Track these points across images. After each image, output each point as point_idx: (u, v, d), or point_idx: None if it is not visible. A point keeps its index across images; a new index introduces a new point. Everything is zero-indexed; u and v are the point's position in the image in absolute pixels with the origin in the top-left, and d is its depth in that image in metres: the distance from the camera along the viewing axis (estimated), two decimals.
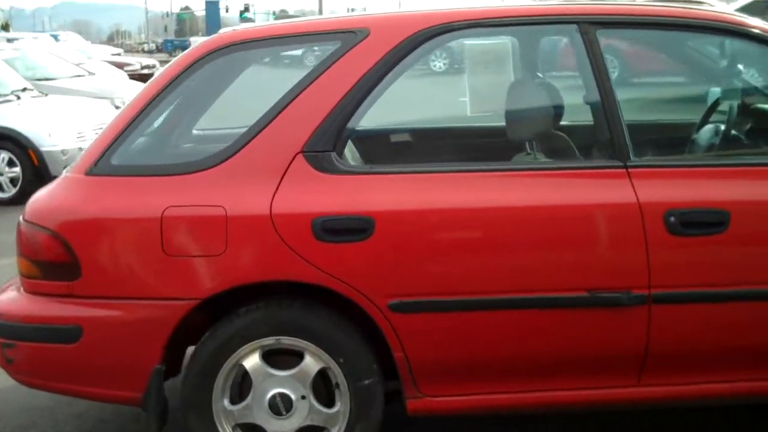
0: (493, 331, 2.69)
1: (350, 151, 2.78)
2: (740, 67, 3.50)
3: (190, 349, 2.84)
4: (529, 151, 3.13)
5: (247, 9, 60.90)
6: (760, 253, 2.66)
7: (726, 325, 2.67)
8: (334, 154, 2.70)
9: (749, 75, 3.48)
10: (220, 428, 2.75)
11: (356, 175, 2.71)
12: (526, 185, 2.70)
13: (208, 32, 45.02)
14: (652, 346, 2.67)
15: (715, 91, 3.69)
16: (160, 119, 2.89)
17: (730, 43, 3.36)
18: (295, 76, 2.80)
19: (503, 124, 3.02)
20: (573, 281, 2.64)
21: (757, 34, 2.81)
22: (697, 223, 2.62)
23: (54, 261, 2.74)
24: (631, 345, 2.68)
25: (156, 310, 2.70)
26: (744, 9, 12.01)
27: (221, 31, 3.02)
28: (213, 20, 48.22)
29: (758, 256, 2.65)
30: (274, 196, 2.66)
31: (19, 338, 2.81)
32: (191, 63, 2.84)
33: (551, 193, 2.67)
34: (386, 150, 3.09)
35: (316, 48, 2.91)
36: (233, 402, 2.76)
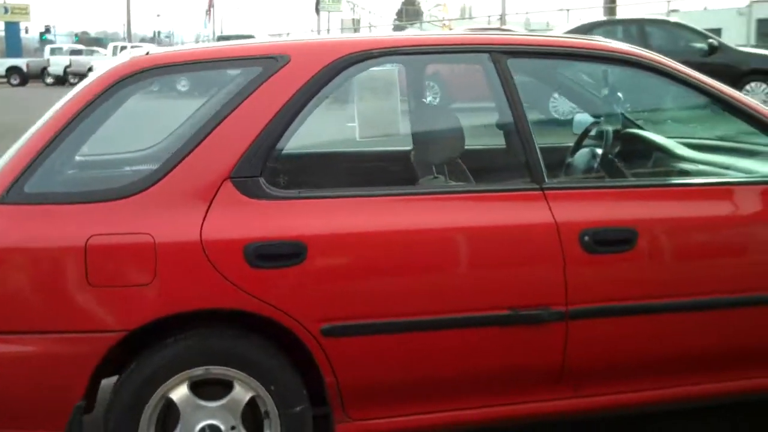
0: (421, 352, 2.76)
1: (276, 177, 2.78)
2: (618, 95, 3.76)
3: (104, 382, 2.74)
4: (436, 174, 3.24)
5: (48, 30, 58.74)
6: (666, 268, 2.87)
7: (638, 336, 2.85)
8: (262, 180, 2.69)
9: (623, 102, 3.76)
10: None
11: (285, 201, 2.71)
12: (448, 208, 2.80)
13: (8, 53, 43.05)
14: (569, 359, 2.81)
15: (586, 118, 3.93)
16: (76, 145, 2.78)
17: (612, 73, 3.61)
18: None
19: (411, 148, 3.11)
20: (496, 300, 2.75)
21: (656, 66, 3.04)
22: (609, 240, 2.79)
23: None
24: (551, 359, 2.82)
25: (79, 344, 2.58)
26: (571, 32, 12.79)
27: (135, 53, 2.95)
28: (13, 41, 46.17)
29: (664, 272, 2.86)
30: (203, 222, 2.62)
31: None
32: (108, 86, 2.76)
33: (474, 215, 2.78)
34: (310, 175, 3.11)
35: (235, 72, 2.89)
36: None
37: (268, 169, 2.73)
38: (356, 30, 44.38)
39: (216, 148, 2.69)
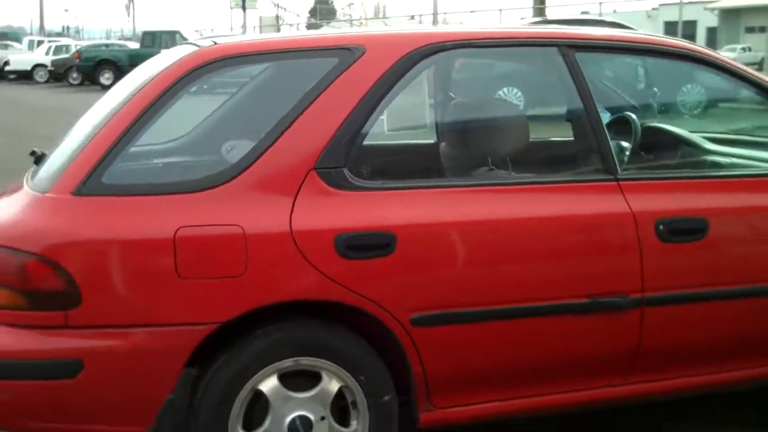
0: (505, 340, 2.79)
1: (359, 167, 2.77)
2: (654, 89, 3.86)
3: None
4: (491, 166, 3.26)
5: None
6: (735, 256, 2.97)
7: (708, 321, 2.94)
8: (346, 170, 2.67)
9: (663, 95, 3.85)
10: None
11: (371, 191, 2.70)
12: (529, 199, 2.84)
13: None
14: (644, 345, 2.88)
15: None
16: (151, 136, 2.71)
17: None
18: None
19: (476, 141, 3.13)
20: (578, 288, 2.80)
21: (711, 60, 3.14)
22: (682, 230, 2.87)
23: (45, 289, 2.48)
24: (626, 345, 2.88)
25: (170, 337, 2.52)
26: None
27: (211, 41, 2.89)
28: None
29: (733, 259, 2.96)
30: (291, 212, 2.59)
31: (10, 378, 2.51)
32: (183, 75, 2.70)
33: (555, 206, 2.83)
34: (390, 166, 3.10)
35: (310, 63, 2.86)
36: (247, 429, 2.63)
37: (351, 159, 2.71)
38: (278, 29, 43.80)
39: (299, 138, 2.66)
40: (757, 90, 3.16)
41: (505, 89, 3.25)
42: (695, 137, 3.86)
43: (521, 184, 2.92)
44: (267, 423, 2.62)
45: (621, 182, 2.89)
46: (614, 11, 42.79)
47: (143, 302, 2.52)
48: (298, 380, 2.66)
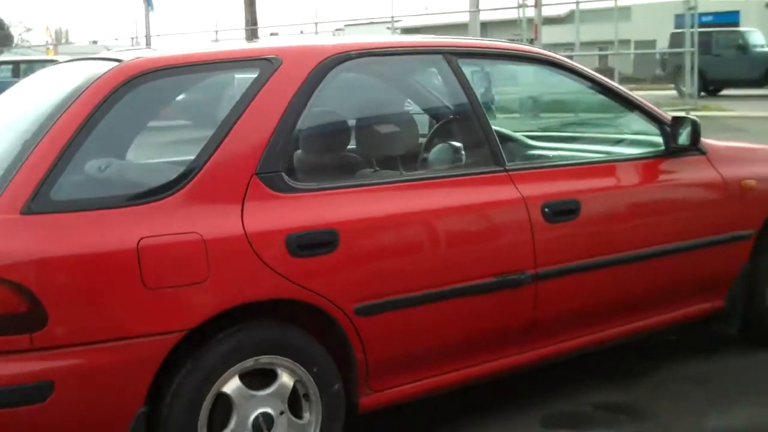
0: (432, 321, 3.06)
1: (292, 171, 2.91)
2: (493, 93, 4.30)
3: None
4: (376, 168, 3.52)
5: None
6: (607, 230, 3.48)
7: (592, 288, 3.41)
8: (284, 174, 2.81)
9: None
10: None
11: (309, 193, 2.86)
12: (443, 192, 3.15)
13: None
14: (539, 314, 3.29)
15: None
16: (93, 149, 2.66)
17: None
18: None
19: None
20: (489, 268, 3.15)
21: (567, 65, 3.62)
22: (562, 210, 3.31)
23: (7, 312, 2.39)
24: (526, 316, 3.27)
25: (140, 349, 2.52)
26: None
27: (133, 55, 2.87)
28: None
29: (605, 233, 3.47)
30: (242, 217, 2.69)
31: None
32: (113, 89, 2.69)
33: (461, 197, 3.16)
34: (319, 168, 3.22)
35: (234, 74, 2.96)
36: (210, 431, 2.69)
37: (287, 163, 2.85)
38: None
39: (238, 146, 2.77)
40: (599, 88, 3.71)
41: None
42: (518, 135, 4.37)
43: (433, 179, 3.22)
44: (232, 423, 2.69)
45: (510, 173, 3.28)
46: None
47: (112, 316, 2.49)
48: (255, 379, 2.75)
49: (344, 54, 3.10)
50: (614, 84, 3.81)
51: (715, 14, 31.53)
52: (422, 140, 3.53)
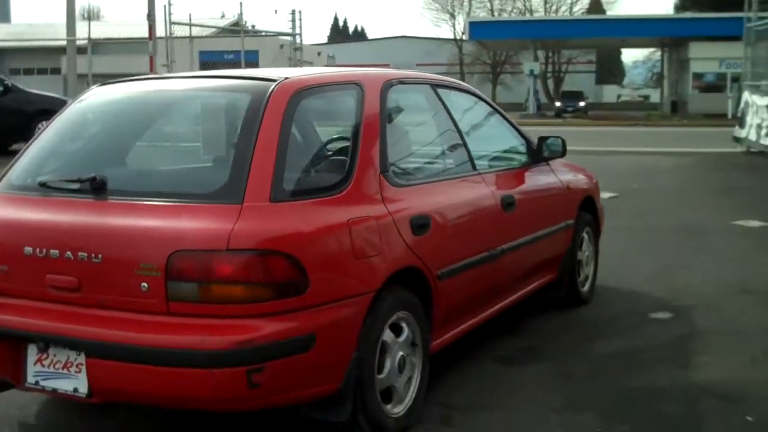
0: (473, 282, 4.11)
1: (390, 171, 3.71)
2: None
3: None
4: None
5: None
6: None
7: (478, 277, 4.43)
8: (389, 174, 3.66)
9: None
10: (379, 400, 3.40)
11: (407, 187, 3.74)
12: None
13: None
14: (500, 282, 4.50)
15: None
16: (291, 149, 3.26)
17: None
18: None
19: None
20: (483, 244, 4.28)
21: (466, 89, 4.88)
22: (509, 203, 4.55)
23: (285, 280, 2.96)
24: (504, 278, 4.47)
25: (356, 305, 3.23)
26: None
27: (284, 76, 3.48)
28: None
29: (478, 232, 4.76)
30: (385, 205, 3.50)
31: (267, 359, 2.89)
32: (288, 102, 3.33)
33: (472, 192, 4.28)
34: (406, 169, 3.95)
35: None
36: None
37: (390, 165, 3.70)
38: None
39: (368, 151, 3.58)
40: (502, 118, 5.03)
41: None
42: None
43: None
44: (388, 363, 3.46)
45: (482, 174, 4.44)
46: None
47: (342, 280, 3.19)
48: (393, 331, 3.53)
49: (392, 80, 4.02)
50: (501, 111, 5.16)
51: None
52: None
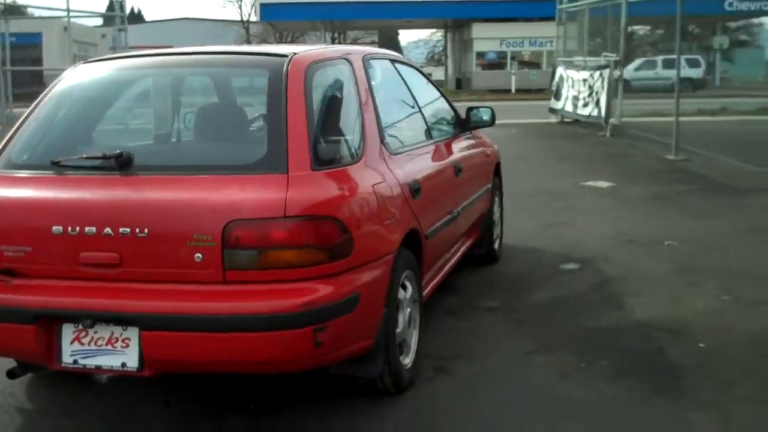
0: (442, 242, 4.40)
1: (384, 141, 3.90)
2: None
3: None
4: None
5: None
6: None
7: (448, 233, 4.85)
8: (386, 142, 3.87)
9: None
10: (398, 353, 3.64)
11: (399, 155, 3.97)
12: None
13: None
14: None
15: None
16: (319, 125, 3.38)
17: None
18: None
19: None
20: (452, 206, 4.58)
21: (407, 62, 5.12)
22: (459, 169, 4.87)
23: (336, 243, 3.13)
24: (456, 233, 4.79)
25: (385, 265, 3.44)
26: None
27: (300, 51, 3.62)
28: None
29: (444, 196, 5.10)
30: (391, 171, 3.72)
31: (329, 318, 3.06)
32: (304, 76, 3.45)
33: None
34: (394, 138, 4.03)
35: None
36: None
37: (383, 136, 3.91)
38: None
39: (369, 120, 3.79)
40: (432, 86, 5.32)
41: None
42: None
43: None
44: (401, 319, 3.70)
45: (436, 143, 4.76)
46: None
47: (375, 241, 3.39)
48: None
49: (369, 55, 4.22)
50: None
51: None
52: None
